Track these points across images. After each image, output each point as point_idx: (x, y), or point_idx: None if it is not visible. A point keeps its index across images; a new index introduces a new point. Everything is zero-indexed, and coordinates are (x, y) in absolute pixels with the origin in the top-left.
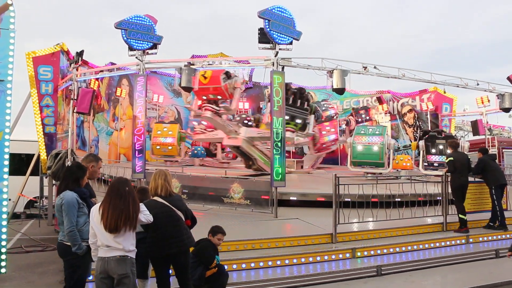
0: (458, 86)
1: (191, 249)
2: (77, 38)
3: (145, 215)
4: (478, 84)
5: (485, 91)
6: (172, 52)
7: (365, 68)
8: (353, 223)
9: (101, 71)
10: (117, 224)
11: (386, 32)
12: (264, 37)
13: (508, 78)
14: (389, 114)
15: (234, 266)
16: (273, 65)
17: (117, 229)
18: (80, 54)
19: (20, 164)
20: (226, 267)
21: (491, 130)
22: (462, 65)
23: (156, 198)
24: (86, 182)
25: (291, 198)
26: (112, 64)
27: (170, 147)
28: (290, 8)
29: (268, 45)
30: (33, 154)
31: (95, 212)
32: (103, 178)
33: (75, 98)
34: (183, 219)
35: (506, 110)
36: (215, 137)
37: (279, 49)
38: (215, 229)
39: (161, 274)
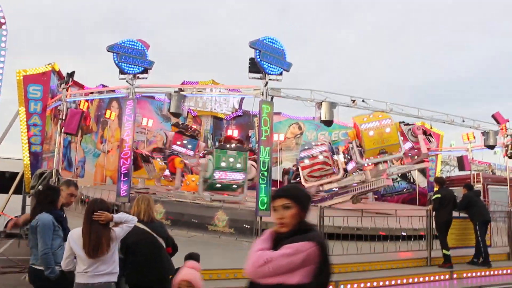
0: (444, 122)
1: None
2: (70, 59)
3: (127, 227)
4: (463, 121)
5: (470, 127)
6: (165, 76)
7: (353, 101)
8: (337, 255)
9: (91, 92)
10: (94, 250)
11: (377, 63)
12: (254, 66)
13: (493, 116)
14: None
15: None
16: (262, 94)
17: (93, 255)
18: (71, 75)
19: (3, 182)
20: None
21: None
22: (449, 100)
23: (137, 224)
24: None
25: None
26: (103, 86)
27: None
28: (282, 38)
29: (258, 75)
30: (18, 173)
31: (78, 236)
32: (86, 200)
33: (63, 118)
34: (164, 246)
35: (491, 147)
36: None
37: (269, 79)
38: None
39: None
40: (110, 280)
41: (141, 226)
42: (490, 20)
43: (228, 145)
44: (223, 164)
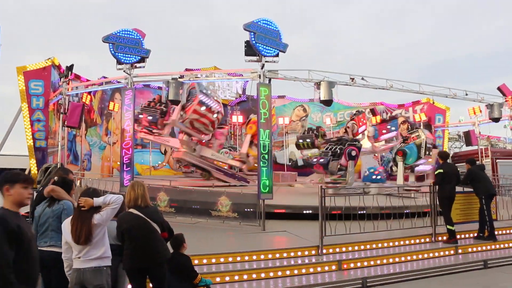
0: (447, 97)
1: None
2: (74, 53)
3: (110, 210)
4: (466, 95)
5: (474, 101)
6: (167, 64)
7: (352, 79)
8: (340, 235)
9: (92, 84)
10: (79, 237)
11: (379, 45)
12: (250, 49)
13: (499, 88)
14: None
15: (218, 279)
16: (259, 77)
17: (80, 241)
18: (70, 68)
19: None
20: (210, 281)
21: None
22: (454, 79)
23: (131, 210)
24: None
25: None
26: (105, 78)
27: None
28: (284, 21)
29: (254, 58)
30: (25, 169)
31: (67, 225)
32: None
33: (65, 112)
34: (159, 231)
35: (496, 120)
36: (165, 143)
37: (265, 61)
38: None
39: (137, 287)
40: (101, 264)
41: (134, 212)
42: None
43: None
44: None
